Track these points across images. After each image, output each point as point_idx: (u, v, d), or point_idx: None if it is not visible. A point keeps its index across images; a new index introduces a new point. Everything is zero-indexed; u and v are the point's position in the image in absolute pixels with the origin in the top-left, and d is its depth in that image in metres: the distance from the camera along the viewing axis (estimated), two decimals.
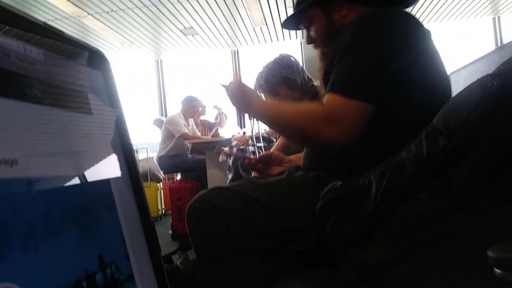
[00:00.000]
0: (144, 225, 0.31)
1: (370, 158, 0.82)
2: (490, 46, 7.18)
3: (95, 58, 0.30)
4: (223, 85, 1.09)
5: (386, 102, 0.84)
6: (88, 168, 0.28)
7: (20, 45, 0.23)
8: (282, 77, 1.80)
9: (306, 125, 0.88)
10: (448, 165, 0.61)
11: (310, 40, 1.12)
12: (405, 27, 0.88)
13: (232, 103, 1.05)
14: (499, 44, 7.14)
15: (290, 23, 1.17)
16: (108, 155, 0.30)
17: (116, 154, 0.31)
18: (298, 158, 1.29)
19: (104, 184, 0.29)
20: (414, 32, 0.88)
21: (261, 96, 1.94)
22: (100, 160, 0.30)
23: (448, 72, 1.37)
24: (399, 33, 0.86)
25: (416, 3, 1.08)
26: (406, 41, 0.86)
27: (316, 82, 1.78)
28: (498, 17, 7.13)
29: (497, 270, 0.39)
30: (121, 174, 0.31)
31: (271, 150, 1.85)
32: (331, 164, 0.95)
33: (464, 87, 1.61)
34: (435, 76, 0.91)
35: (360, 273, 0.72)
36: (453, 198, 0.60)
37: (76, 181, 0.27)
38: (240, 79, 1.05)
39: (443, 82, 0.93)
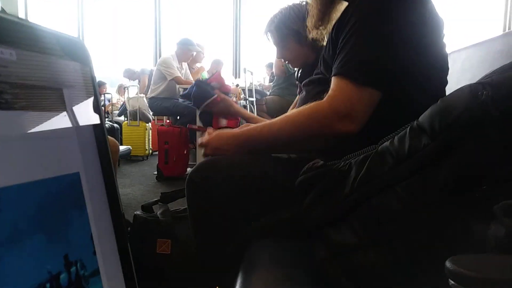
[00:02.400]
0: (114, 219, 0.32)
1: (358, 143, 0.82)
2: (498, 28, 7.02)
3: (72, 49, 0.29)
4: (202, 145, 1.03)
5: (392, 89, 0.82)
6: (58, 163, 0.28)
7: None
8: (293, 29, 1.67)
9: (314, 130, 0.84)
10: (427, 165, 0.61)
11: None
12: (417, 5, 0.84)
13: (221, 152, 0.98)
14: (507, 27, 6.98)
15: None
16: (81, 148, 0.30)
17: (89, 147, 0.31)
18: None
19: (74, 178, 0.29)
20: (425, 11, 0.85)
21: (270, 41, 1.88)
22: (72, 154, 0.29)
23: (449, 51, 1.35)
24: (411, 13, 0.83)
25: None
26: (418, 22, 0.83)
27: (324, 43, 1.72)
28: None
29: (451, 281, 0.41)
30: (93, 167, 0.30)
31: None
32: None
33: (461, 68, 1.58)
34: (438, 59, 0.89)
35: (329, 251, 0.75)
36: (427, 198, 0.61)
37: (44, 175, 0.27)
38: (212, 131, 1.01)
39: (443, 64, 0.91)
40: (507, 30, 6.69)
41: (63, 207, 0.28)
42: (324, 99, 0.84)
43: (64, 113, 0.28)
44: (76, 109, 0.31)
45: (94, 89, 0.31)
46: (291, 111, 0.96)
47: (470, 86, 0.59)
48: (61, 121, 0.28)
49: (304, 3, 1.83)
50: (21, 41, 0.24)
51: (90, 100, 0.32)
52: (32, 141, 0.26)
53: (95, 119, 0.33)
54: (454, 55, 1.69)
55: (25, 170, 0.25)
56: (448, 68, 0.93)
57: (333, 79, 0.84)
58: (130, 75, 6.32)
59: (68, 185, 0.29)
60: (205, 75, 4.63)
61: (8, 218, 0.24)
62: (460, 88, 0.61)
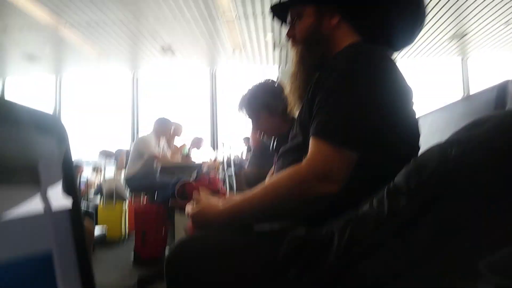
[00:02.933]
0: None
1: (336, 205, 0.82)
2: (458, 85, 7.56)
3: (48, 125, 0.29)
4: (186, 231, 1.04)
5: (368, 150, 0.84)
6: (29, 242, 0.27)
7: None
8: (263, 102, 1.83)
9: (294, 193, 0.84)
10: (407, 226, 0.61)
11: (290, 34, 1.06)
12: (390, 73, 0.88)
13: (204, 229, 0.99)
14: (465, 84, 7.53)
15: (279, 9, 1.11)
16: (54, 226, 0.29)
17: (63, 225, 0.30)
18: None
19: (46, 256, 0.28)
20: (397, 79, 0.89)
21: (245, 115, 1.95)
22: (43, 232, 0.28)
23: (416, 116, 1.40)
24: (385, 78, 0.87)
25: (403, 47, 1.07)
26: (390, 88, 0.86)
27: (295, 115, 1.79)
28: (466, 59, 7.54)
29: None
30: (66, 245, 0.29)
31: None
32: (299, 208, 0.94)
33: (428, 132, 1.66)
34: (409, 123, 0.92)
35: None
36: (412, 259, 0.60)
37: (15, 255, 0.26)
38: (200, 198, 1.01)
39: (414, 129, 0.95)
40: (465, 94, 7.19)
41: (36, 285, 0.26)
42: (303, 162, 0.84)
43: (38, 192, 0.27)
44: (51, 188, 0.31)
45: (70, 166, 0.31)
46: (269, 179, 0.95)
47: (439, 146, 0.62)
48: (35, 201, 0.27)
49: (270, 81, 1.96)
50: None
51: (65, 178, 0.31)
52: (4, 221, 0.25)
53: (70, 200, 0.32)
54: (421, 120, 1.78)
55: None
56: (419, 134, 0.95)
57: (311, 140, 0.85)
58: (106, 155, 6.29)
59: (41, 267, 0.27)
60: (186, 150, 4.66)
61: None
62: (430, 148, 0.63)
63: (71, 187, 0.30)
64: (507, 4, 5.10)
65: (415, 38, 1.03)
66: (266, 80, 1.95)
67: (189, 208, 1.01)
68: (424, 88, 7.32)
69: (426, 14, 1.00)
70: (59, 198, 0.31)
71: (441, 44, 6.64)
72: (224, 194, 2.94)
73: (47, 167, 0.29)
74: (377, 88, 0.84)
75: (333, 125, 0.83)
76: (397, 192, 0.65)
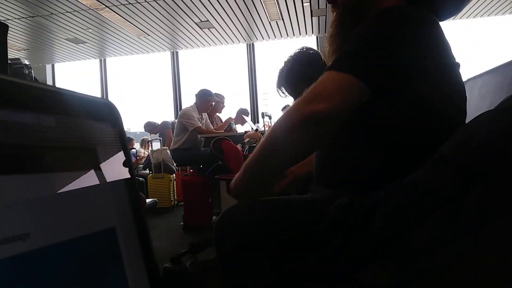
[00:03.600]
0: (149, 272, 0.32)
1: (381, 173, 0.82)
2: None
3: (104, 111, 0.31)
4: None
5: (389, 97, 0.80)
6: (95, 219, 0.30)
7: (34, 116, 0.24)
8: (302, 75, 1.72)
9: (292, 119, 0.79)
10: (454, 197, 0.60)
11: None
12: (430, 32, 0.84)
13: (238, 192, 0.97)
14: None
15: None
16: (115, 203, 0.32)
17: (123, 202, 0.33)
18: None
19: (110, 233, 0.31)
20: (440, 39, 0.85)
21: (285, 95, 1.91)
22: (107, 209, 0.31)
23: (465, 78, 1.33)
24: (422, 36, 0.83)
25: (447, 18, 1.03)
26: (431, 45, 0.83)
27: None
28: None
29: None
30: (127, 221, 0.32)
31: None
32: (343, 177, 0.94)
33: (478, 96, 1.57)
34: (452, 84, 0.88)
35: None
36: (458, 229, 0.60)
37: (82, 232, 0.29)
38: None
39: (457, 88, 0.90)
40: None
41: (101, 263, 0.30)
42: None
43: (99, 170, 0.30)
44: (109, 166, 0.33)
45: (125, 147, 0.34)
46: None
47: (488, 113, 0.59)
48: (95, 178, 0.30)
49: (304, 49, 1.87)
50: (60, 107, 0.26)
51: (121, 157, 0.34)
52: (70, 199, 0.28)
53: (126, 174, 0.35)
54: (471, 83, 1.69)
55: (66, 227, 0.26)
56: (465, 96, 0.92)
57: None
58: (151, 128, 6.50)
59: (105, 240, 0.31)
60: (233, 126, 4.73)
61: (48, 277, 0.25)
62: (479, 116, 0.61)
63: (128, 164, 0.33)
64: None
65: (463, 8, 0.97)
66: (300, 49, 1.85)
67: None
68: (476, 50, 6.85)
69: None
70: (116, 175, 0.33)
71: (492, 1, 6.15)
72: None
73: (104, 150, 0.32)
74: (416, 41, 0.81)
75: (341, 56, 0.81)
76: (443, 162, 0.63)
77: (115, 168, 0.35)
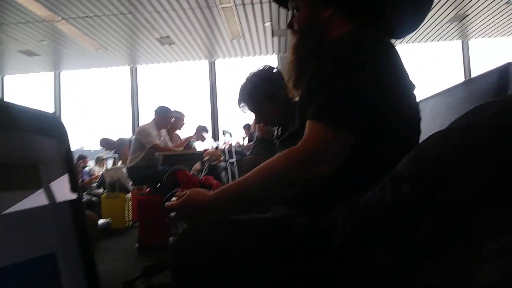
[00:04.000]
0: None
1: (339, 192, 0.82)
2: (458, 69, 7.51)
3: (48, 125, 0.29)
4: (172, 217, 0.94)
5: (367, 133, 0.83)
6: (33, 244, 0.27)
7: None
8: (265, 92, 1.75)
9: (290, 173, 0.83)
10: (411, 214, 0.62)
11: (290, 25, 1.09)
12: (388, 56, 0.88)
13: (193, 220, 0.94)
14: (466, 68, 7.47)
15: (280, 1, 1.15)
16: (57, 227, 0.29)
17: (66, 225, 0.30)
18: None
19: (49, 259, 0.28)
20: (395, 62, 0.89)
21: (246, 111, 1.91)
22: (47, 233, 0.28)
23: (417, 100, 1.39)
24: (382, 61, 0.86)
25: (404, 36, 1.08)
26: (389, 71, 0.86)
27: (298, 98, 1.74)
28: (466, 41, 7.47)
29: None
30: (70, 245, 0.29)
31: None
32: (302, 196, 0.94)
33: (430, 117, 1.65)
34: (409, 107, 0.92)
35: None
36: (416, 246, 0.61)
37: (18, 258, 0.26)
38: (181, 197, 0.94)
39: (414, 112, 0.94)
40: (467, 78, 7.15)
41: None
42: (299, 143, 0.84)
43: (40, 191, 0.27)
44: (52, 186, 0.31)
45: (71, 165, 0.31)
46: (267, 161, 0.94)
47: (440, 133, 0.62)
48: (36, 199, 0.27)
49: (267, 67, 1.90)
50: None
51: (66, 176, 0.31)
52: (5, 223, 0.25)
53: (71, 195, 0.32)
54: (423, 104, 1.77)
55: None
56: (420, 117, 0.95)
57: (307, 123, 0.85)
58: (107, 145, 6.28)
59: (43, 267, 0.28)
60: (193, 144, 4.66)
61: None
62: (432, 135, 0.63)
63: (73, 184, 0.30)
64: None
65: (418, 26, 1.02)
66: (264, 67, 1.87)
67: (168, 203, 0.95)
68: (425, 73, 7.28)
69: (432, 3, 0.99)
70: (60, 196, 0.31)
71: (441, 27, 6.58)
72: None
73: (48, 167, 0.29)
74: (374, 70, 0.84)
75: (328, 106, 0.83)
76: (399, 180, 0.65)
77: (59, 188, 0.32)
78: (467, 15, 6.09)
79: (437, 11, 5.81)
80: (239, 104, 1.88)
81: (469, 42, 7.48)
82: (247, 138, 6.03)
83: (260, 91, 1.77)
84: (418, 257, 0.61)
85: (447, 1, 5.46)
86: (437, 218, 0.59)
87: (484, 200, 0.57)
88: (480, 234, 0.55)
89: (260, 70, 1.86)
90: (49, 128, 0.29)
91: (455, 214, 0.59)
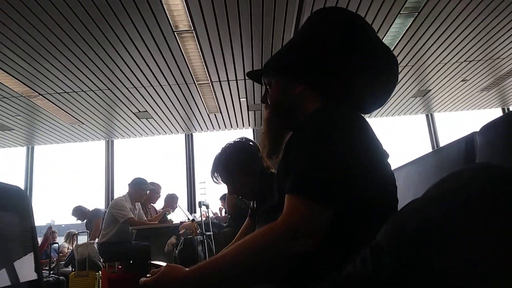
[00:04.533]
0: None
1: (318, 265, 0.80)
2: (426, 142, 7.88)
3: (11, 199, 0.27)
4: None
5: (346, 205, 0.82)
6: None
7: None
8: (239, 162, 1.78)
9: (270, 251, 0.80)
10: (393, 285, 0.60)
11: (264, 100, 1.13)
12: (361, 128, 0.90)
13: None
14: (433, 139, 7.84)
15: (255, 74, 1.18)
16: None
17: None
18: None
19: None
20: (369, 134, 0.90)
21: (219, 181, 1.90)
22: None
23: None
24: (356, 133, 0.88)
25: (373, 111, 1.13)
26: (363, 143, 0.88)
27: (274, 170, 1.73)
28: (431, 114, 7.92)
29: None
30: None
31: None
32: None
33: (404, 186, 1.68)
34: (385, 177, 0.93)
35: None
36: None
37: None
38: (155, 274, 0.90)
39: (391, 182, 0.95)
40: (435, 147, 7.48)
41: None
42: (279, 218, 0.82)
43: (2, 271, 0.25)
44: (13, 264, 0.28)
45: (34, 243, 0.29)
46: (244, 238, 0.91)
47: (416, 202, 0.63)
48: None
49: (244, 139, 1.93)
50: None
51: (29, 255, 0.29)
52: None
53: (33, 276, 0.30)
54: (396, 173, 1.82)
55: None
56: (396, 187, 0.96)
57: (286, 198, 0.84)
58: (80, 214, 6.00)
59: None
60: (168, 217, 4.54)
61: None
62: (408, 203, 0.64)
63: (36, 264, 0.28)
64: (462, 64, 5.51)
65: (385, 102, 1.07)
66: (240, 139, 1.91)
67: (143, 279, 0.91)
68: (393, 145, 7.61)
69: (397, 80, 1.05)
70: (21, 274, 0.28)
71: (406, 102, 6.99)
72: None
73: (8, 245, 0.27)
74: (349, 143, 0.86)
75: (306, 180, 0.82)
76: (379, 250, 0.64)
77: (19, 267, 0.29)
78: (429, 90, 6.54)
79: (401, 87, 6.22)
80: (212, 174, 1.88)
81: (434, 114, 7.94)
82: (223, 209, 5.93)
83: (234, 162, 1.80)
84: None
85: (410, 77, 5.88)
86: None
87: (465, 267, 0.56)
88: None
89: (237, 141, 1.89)
90: (12, 202, 0.28)
91: (436, 284, 0.58)
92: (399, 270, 0.59)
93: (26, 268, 0.26)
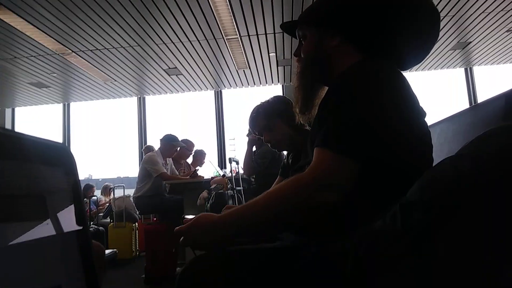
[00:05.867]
0: None
1: (348, 219, 0.81)
2: (463, 96, 7.53)
3: (56, 155, 0.29)
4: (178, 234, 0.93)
5: (374, 161, 0.83)
6: (38, 276, 0.26)
7: None
8: (281, 110, 1.88)
9: (297, 200, 0.81)
10: (423, 240, 0.60)
11: (297, 53, 1.10)
12: (397, 84, 0.88)
13: (201, 244, 0.92)
14: (472, 94, 7.49)
15: (289, 27, 1.15)
16: (63, 259, 0.28)
17: (72, 257, 0.29)
18: None
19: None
20: (405, 90, 0.88)
21: (257, 130, 2.00)
22: (53, 265, 0.28)
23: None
24: (391, 90, 0.86)
25: (410, 68, 1.09)
26: (398, 99, 0.86)
27: (308, 127, 1.79)
28: (470, 68, 7.51)
29: None
30: (76, 278, 0.28)
31: None
32: (311, 224, 0.92)
33: (437, 143, 1.64)
34: (420, 135, 0.91)
35: None
36: (429, 273, 0.59)
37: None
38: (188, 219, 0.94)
39: (426, 141, 0.93)
40: (473, 103, 7.15)
41: None
42: (306, 169, 0.83)
43: (47, 221, 0.27)
44: (60, 216, 0.30)
45: (78, 195, 0.31)
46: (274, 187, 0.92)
47: (450, 159, 0.61)
48: (43, 230, 0.27)
49: (282, 96, 2.01)
50: (4, 150, 0.24)
51: (74, 206, 0.31)
52: (11, 253, 0.25)
53: (78, 226, 0.32)
54: (430, 130, 1.77)
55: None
56: (431, 146, 0.94)
57: (315, 150, 0.85)
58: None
59: None
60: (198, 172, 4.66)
61: None
62: (442, 161, 0.63)
63: (80, 217, 0.30)
64: (508, 13, 5.11)
65: (424, 57, 1.02)
66: (280, 95, 2.02)
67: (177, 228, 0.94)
68: (430, 100, 7.31)
69: (438, 36, 0.99)
70: (67, 226, 0.30)
71: (444, 55, 6.64)
72: None
73: (54, 198, 0.29)
74: (385, 100, 0.84)
75: (335, 134, 0.82)
76: (411, 206, 0.64)
77: (66, 219, 0.31)
78: (470, 43, 6.16)
79: (440, 38, 5.88)
80: (252, 124, 2.00)
81: (473, 68, 7.53)
82: None
83: (274, 108, 1.91)
84: (431, 284, 0.59)
85: (449, 29, 5.54)
86: (450, 245, 0.58)
87: (500, 224, 0.55)
88: (498, 259, 0.53)
89: (277, 95, 2.01)
90: (58, 158, 0.29)
91: (468, 241, 0.58)
92: (431, 226, 0.59)
93: (72, 219, 0.28)
